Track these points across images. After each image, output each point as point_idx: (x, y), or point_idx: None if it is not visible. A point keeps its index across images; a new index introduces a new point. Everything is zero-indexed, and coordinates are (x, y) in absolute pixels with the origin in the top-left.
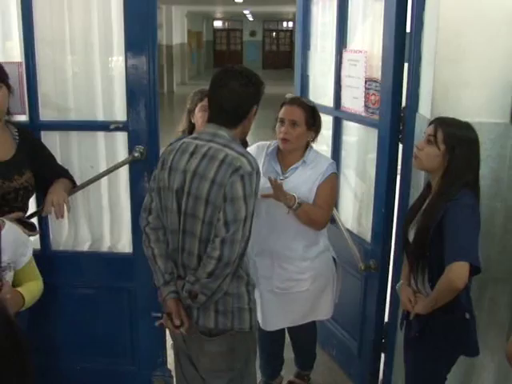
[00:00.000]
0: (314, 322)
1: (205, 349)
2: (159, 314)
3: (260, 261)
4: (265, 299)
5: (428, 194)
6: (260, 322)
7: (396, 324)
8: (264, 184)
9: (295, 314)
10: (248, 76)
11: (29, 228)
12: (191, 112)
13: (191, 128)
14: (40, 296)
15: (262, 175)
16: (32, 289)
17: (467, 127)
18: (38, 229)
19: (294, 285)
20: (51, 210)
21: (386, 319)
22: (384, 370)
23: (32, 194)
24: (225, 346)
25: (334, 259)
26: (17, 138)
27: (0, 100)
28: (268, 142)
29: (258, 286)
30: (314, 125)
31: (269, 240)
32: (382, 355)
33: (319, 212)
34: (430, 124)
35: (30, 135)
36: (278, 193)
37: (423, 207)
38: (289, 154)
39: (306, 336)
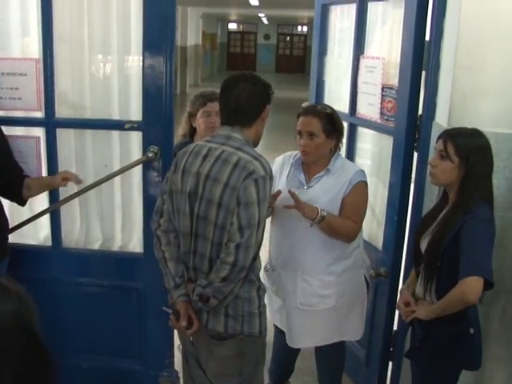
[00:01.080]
0: (342, 350)
1: (214, 352)
2: (170, 310)
3: (285, 274)
4: (291, 315)
5: (444, 205)
6: (287, 337)
7: (404, 333)
8: (287, 194)
9: (321, 333)
10: (256, 77)
11: None
12: (192, 116)
13: (192, 132)
14: None
15: (286, 185)
16: None
17: (476, 134)
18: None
19: (318, 301)
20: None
21: (395, 328)
22: (391, 379)
23: None
24: (234, 350)
25: (365, 278)
26: None
27: None
28: (295, 152)
29: (284, 301)
30: (334, 132)
31: (293, 252)
32: (390, 364)
33: (346, 224)
34: (438, 139)
35: None
36: (299, 205)
37: (439, 218)
38: (313, 163)
39: (331, 362)
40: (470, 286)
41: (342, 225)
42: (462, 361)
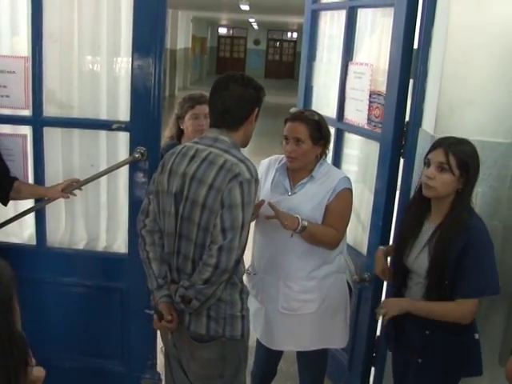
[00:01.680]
0: (324, 353)
1: (195, 354)
2: (152, 312)
3: (267, 278)
4: (271, 318)
5: (423, 215)
6: (264, 339)
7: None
8: (270, 199)
9: (303, 338)
10: (248, 79)
11: None
12: (180, 118)
13: (180, 134)
14: None
15: (270, 191)
16: None
17: (468, 143)
18: None
19: (300, 306)
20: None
21: (378, 333)
22: None
23: None
24: (215, 353)
25: (348, 284)
26: None
27: None
28: (281, 156)
29: (265, 304)
30: (320, 138)
31: (275, 258)
32: (373, 369)
33: (328, 233)
34: (433, 148)
35: None
36: (279, 217)
37: (426, 231)
38: (298, 169)
39: (313, 366)
40: (469, 310)
41: (323, 233)
42: (467, 369)
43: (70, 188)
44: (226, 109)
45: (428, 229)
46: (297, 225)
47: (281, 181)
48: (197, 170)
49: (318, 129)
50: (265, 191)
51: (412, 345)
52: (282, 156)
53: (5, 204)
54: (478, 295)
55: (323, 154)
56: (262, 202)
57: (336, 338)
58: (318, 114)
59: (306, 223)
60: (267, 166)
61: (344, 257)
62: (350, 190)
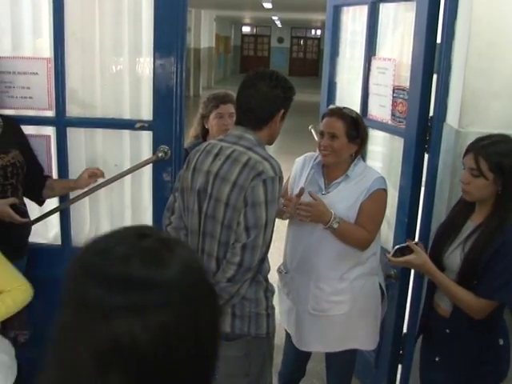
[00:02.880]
0: (353, 354)
1: (220, 353)
2: None
3: (298, 277)
4: (300, 318)
5: (468, 214)
6: (294, 339)
7: (414, 334)
8: (304, 198)
9: (332, 339)
10: (277, 79)
11: (21, 214)
12: (205, 117)
13: (205, 133)
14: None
15: (305, 188)
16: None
17: (506, 141)
18: (29, 218)
19: (330, 307)
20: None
21: (405, 330)
22: (401, 382)
23: (23, 172)
24: (241, 351)
25: (381, 287)
26: (1, 123)
27: None
28: (316, 153)
29: (295, 304)
30: (357, 137)
31: (308, 255)
32: (399, 366)
33: (358, 233)
34: (466, 153)
35: (12, 121)
36: (316, 212)
37: (465, 229)
38: (334, 168)
39: (341, 366)
40: (484, 308)
41: (354, 233)
42: (488, 373)
43: (94, 176)
44: (250, 108)
45: (468, 227)
46: (328, 220)
47: (316, 179)
48: (220, 168)
49: (354, 127)
50: (299, 187)
51: (433, 343)
52: (318, 153)
53: (40, 204)
54: (500, 300)
55: (358, 153)
56: (302, 190)
57: (365, 340)
58: (357, 113)
59: (335, 225)
60: (302, 163)
61: (377, 259)
62: (385, 191)
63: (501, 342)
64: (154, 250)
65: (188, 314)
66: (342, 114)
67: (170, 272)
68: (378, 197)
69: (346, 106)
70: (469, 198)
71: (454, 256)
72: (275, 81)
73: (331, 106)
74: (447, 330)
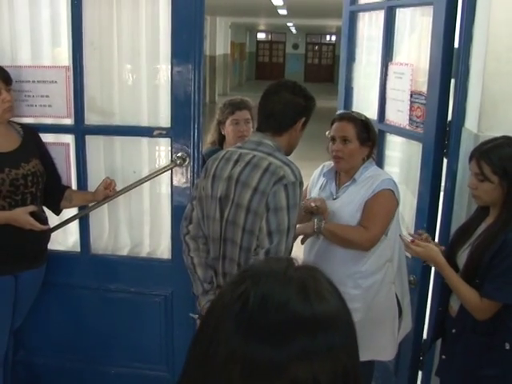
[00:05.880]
0: (370, 365)
1: None
2: (196, 316)
3: None
4: None
5: (484, 217)
6: None
7: (433, 341)
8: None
9: None
10: (300, 88)
11: (41, 222)
12: (221, 124)
13: (221, 139)
14: None
15: (317, 195)
16: None
17: (508, 143)
18: (49, 223)
19: None
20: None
21: (425, 336)
22: None
23: (42, 180)
24: None
25: (397, 296)
26: (21, 132)
27: (11, 100)
28: (330, 162)
29: None
30: (368, 140)
31: (320, 263)
32: (420, 373)
33: (353, 230)
34: (470, 158)
35: (32, 130)
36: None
37: (478, 231)
38: (344, 173)
39: None
40: (486, 308)
41: (346, 232)
42: (491, 376)
43: (109, 186)
44: (272, 113)
45: (480, 229)
46: (312, 229)
47: (328, 185)
48: (241, 174)
49: (365, 129)
50: (313, 196)
51: (443, 341)
52: (331, 162)
53: (57, 213)
54: (501, 300)
55: (369, 156)
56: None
57: (382, 350)
58: (366, 117)
59: (321, 223)
60: (319, 172)
61: (394, 267)
62: (391, 191)
63: (507, 346)
64: (306, 283)
65: (354, 347)
66: (352, 117)
67: (331, 305)
68: (382, 195)
69: (362, 111)
70: (479, 202)
71: (464, 256)
72: (298, 89)
73: (340, 111)
74: (453, 330)
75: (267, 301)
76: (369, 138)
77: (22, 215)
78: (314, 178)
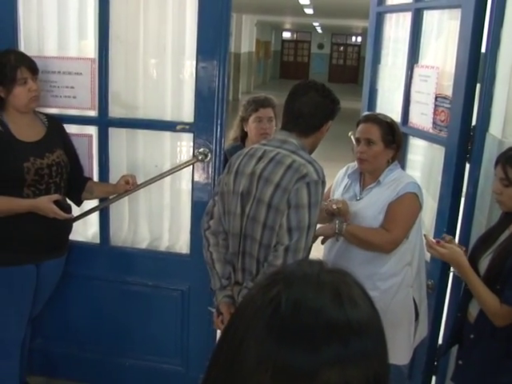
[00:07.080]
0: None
1: None
2: (214, 310)
3: None
4: None
5: (508, 224)
6: None
7: (450, 346)
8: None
9: None
10: (328, 91)
11: (64, 211)
12: (244, 120)
13: (244, 136)
14: None
15: (341, 196)
16: None
17: None
18: (72, 213)
19: None
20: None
21: (440, 341)
22: None
23: (66, 171)
24: None
25: (414, 301)
26: (46, 123)
27: (38, 90)
28: (355, 163)
29: None
30: (393, 142)
31: (340, 264)
32: (433, 378)
33: (374, 232)
34: (496, 163)
35: (57, 121)
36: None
37: (502, 237)
38: (369, 174)
39: None
40: (504, 314)
41: (367, 234)
42: (508, 383)
43: (128, 183)
44: (302, 114)
45: (504, 236)
46: (333, 230)
47: (352, 186)
48: (264, 170)
49: (390, 132)
50: (336, 197)
51: (460, 346)
52: (355, 163)
53: (78, 204)
54: None
55: (394, 159)
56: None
57: (396, 354)
58: (392, 119)
59: (343, 226)
60: (344, 173)
61: (413, 270)
62: (415, 195)
63: None
64: (339, 288)
65: (384, 353)
66: (377, 119)
67: (363, 310)
68: (405, 198)
69: (386, 113)
70: (503, 207)
71: (486, 262)
72: (326, 92)
73: (366, 113)
74: (471, 336)
75: (300, 305)
76: (394, 140)
77: (46, 203)
78: (339, 179)
